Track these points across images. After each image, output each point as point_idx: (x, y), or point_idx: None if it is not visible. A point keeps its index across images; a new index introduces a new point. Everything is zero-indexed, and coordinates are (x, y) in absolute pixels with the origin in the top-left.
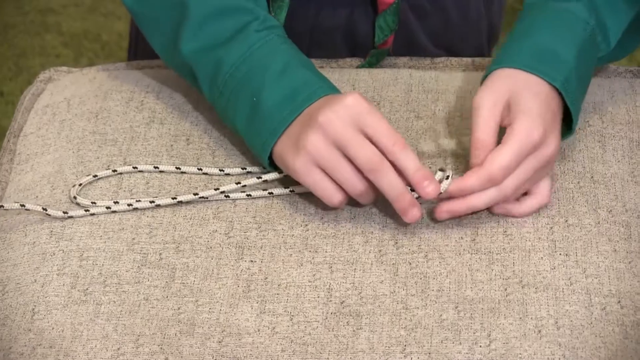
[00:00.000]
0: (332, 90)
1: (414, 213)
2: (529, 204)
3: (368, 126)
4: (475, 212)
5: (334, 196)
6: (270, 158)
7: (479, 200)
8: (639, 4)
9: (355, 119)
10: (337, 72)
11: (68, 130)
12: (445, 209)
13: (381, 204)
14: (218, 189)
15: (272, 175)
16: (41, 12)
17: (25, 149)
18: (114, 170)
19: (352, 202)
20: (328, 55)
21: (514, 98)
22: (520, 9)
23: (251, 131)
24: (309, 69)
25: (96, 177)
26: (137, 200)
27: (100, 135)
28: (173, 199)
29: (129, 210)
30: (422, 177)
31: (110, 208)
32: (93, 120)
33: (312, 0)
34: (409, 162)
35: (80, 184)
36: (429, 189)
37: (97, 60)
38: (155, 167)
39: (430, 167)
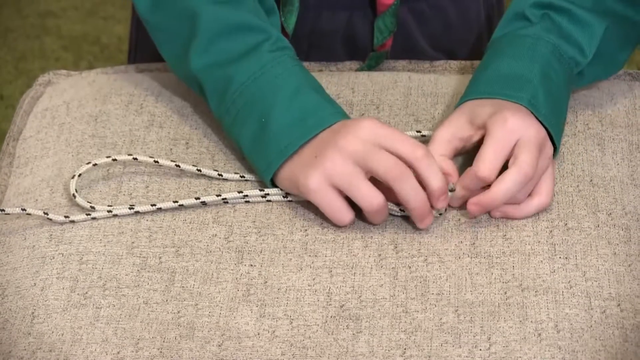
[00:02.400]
0: (344, 116)
1: (429, 220)
2: (530, 204)
3: (388, 142)
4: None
5: (345, 216)
6: (272, 179)
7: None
8: (608, 13)
9: (374, 138)
10: (337, 76)
11: (67, 134)
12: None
13: None
14: (220, 195)
15: (275, 191)
16: (41, 15)
17: (25, 152)
18: (114, 159)
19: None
20: (327, 58)
21: (474, 113)
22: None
23: (257, 151)
24: (321, 93)
25: (95, 165)
26: (137, 204)
27: (99, 138)
28: (174, 202)
29: (130, 214)
30: (441, 189)
31: (111, 212)
32: (92, 123)
33: (312, 3)
34: (431, 171)
35: (79, 174)
36: (444, 204)
37: (96, 63)
38: (155, 161)
39: None
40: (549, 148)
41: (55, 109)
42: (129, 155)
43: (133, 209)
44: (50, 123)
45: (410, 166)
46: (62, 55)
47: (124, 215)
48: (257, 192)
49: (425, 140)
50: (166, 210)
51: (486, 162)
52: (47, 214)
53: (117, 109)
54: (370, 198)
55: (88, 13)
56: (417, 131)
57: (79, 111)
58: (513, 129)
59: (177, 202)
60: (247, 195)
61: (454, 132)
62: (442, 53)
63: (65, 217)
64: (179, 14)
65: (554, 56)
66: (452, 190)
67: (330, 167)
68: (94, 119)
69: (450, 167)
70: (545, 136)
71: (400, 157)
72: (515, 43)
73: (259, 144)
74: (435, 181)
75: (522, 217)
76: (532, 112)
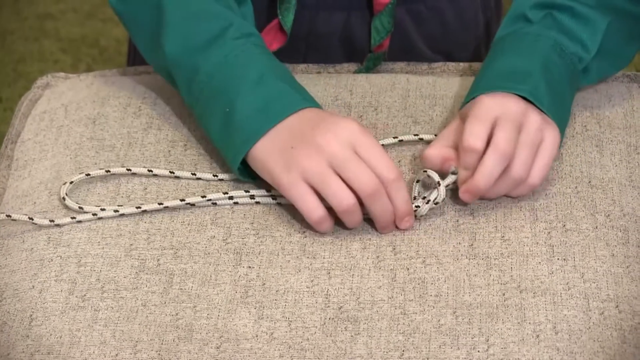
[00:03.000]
0: (310, 102)
1: (390, 230)
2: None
3: (364, 151)
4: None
5: (315, 212)
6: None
7: (485, 172)
8: (611, 9)
9: (353, 143)
10: (335, 78)
11: (65, 136)
12: (464, 189)
13: None
14: (205, 196)
15: (262, 192)
16: (39, 17)
17: (23, 155)
18: (107, 171)
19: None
20: (325, 60)
21: (466, 109)
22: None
23: (223, 141)
24: (286, 80)
25: (89, 176)
26: (120, 206)
27: (97, 141)
28: (159, 204)
29: (115, 217)
30: (407, 212)
31: (96, 215)
32: (90, 126)
33: (309, 3)
34: (400, 195)
35: (71, 182)
36: (408, 224)
37: (95, 65)
38: (149, 171)
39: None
40: (534, 121)
41: (54, 111)
42: (122, 167)
43: (117, 212)
44: (48, 126)
45: (382, 184)
46: (60, 57)
47: (122, 218)
48: (242, 192)
49: (424, 143)
50: (152, 212)
51: (467, 134)
52: (32, 218)
53: (115, 111)
54: (341, 197)
55: (87, 15)
56: (415, 134)
57: (77, 114)
58: (489, 105)
59: (161, 204)
60: (232, 197)
61: (455, 128)
62: (440, 55)
63: (51, 221)
64: (145, 3)
65: (555, 51)
66: (454, 173)
67: (307, 165)
68: (92, 121)
69: (450, 153)
70: (525, 109)
71: (374, 172)
72: (516, 41)
73: (225, 134)
74: (402, 204)
75: (516, 194)
76: (533, 104)
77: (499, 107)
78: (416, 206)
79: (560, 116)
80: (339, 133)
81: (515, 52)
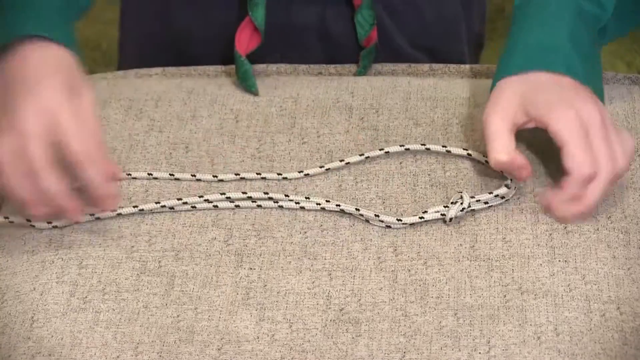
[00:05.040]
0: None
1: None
2: (595, 183)
3: (62, 134)
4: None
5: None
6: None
7: (593, 194)
8: None
9: (52, 118)
10: (336, 80)
11: None
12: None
13: (381, 209)
14: (202, 196)
15: (260, 194)
16: None
17: None
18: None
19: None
20: (304, 56)
21: (527, 100)
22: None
23: None
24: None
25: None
26: (120, 207)
27: None
28: (157, 203)
29: (113, 218)
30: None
31: (93, 215)
32: None
33: None
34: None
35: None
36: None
37: (97, 68)
38: (149, 174)
39: (429, 178)
40: (603, 108)
41: None
42: (123, 172)
43: (115, 211)
44: None
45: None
46: None
47: (122, 220)
48: (240, 194)
49: (452, 156)
50: (153, 214)
51: (572, 161)
52: (29, 220)
53: (116, 113)
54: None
55: (89, 18)
56: (443, 146)
57: None
58: (581, 122)
59: (158, 202)
60: (230, 197)
61: (511, 121)
62: (420, 52)
63: (48, 222)
64: None
65: (580, 17)
66: (507, 187)
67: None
68: None
69: (524, 161)
70: (595, 98)
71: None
72: (540, 9)
73: None
74: (95, 187)
75: (595, 200)
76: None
77: (585, 117)
78: (445, 206)
79: (596, 82)
80: (41, 103)
81: (539, 25)
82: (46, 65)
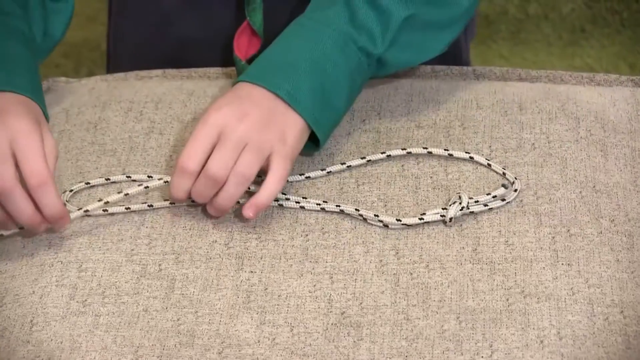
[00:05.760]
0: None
1: (38, 231)
2: (266, 185)
3: (19, 152)
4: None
5: None
6: None
7: (195, 193)
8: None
9: (11, 141)
10: None
11: (67, 141)
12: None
13: (383, 210)
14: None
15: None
16: None
17: None
18: (107, 179)
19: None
20: None
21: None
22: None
23: None
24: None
25: (89, 185)
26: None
27: (99, 145)
28: (149, 206)
29: (102, 215)
30: (54, 215)
31: (87, 210)
32: (92, 130)
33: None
34: (45, 199)
35: (71, 190)
36: (61, 225)
37: (97, 69)
38: (149, 177)
39: (431, 180)
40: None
41: (55, 116)
42: (122, 174)
43: (107, 211)
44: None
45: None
46: (62, 62)
47: (122, 223)
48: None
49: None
50: (153, 217)
51: (186, 155)
52: (22, 228)
53: (116, 115)
54: None
55: (88, 19)
56: (445, 149)
57: (78, 118)
58: (214, 124)
59: (147, 202)
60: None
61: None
62: None
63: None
64: None
65: (337, 47)
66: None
67: None
68: (93, 126)
69: None
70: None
71: (24, 174)
72: (300, 29)
73: None
74: (48, 209)
75: (267, 200)
76: (289, 104)
77: (221, 123)
78: (444, 208)
79: (323, 115)
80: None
81: (286, 41)
82: (13, 102)
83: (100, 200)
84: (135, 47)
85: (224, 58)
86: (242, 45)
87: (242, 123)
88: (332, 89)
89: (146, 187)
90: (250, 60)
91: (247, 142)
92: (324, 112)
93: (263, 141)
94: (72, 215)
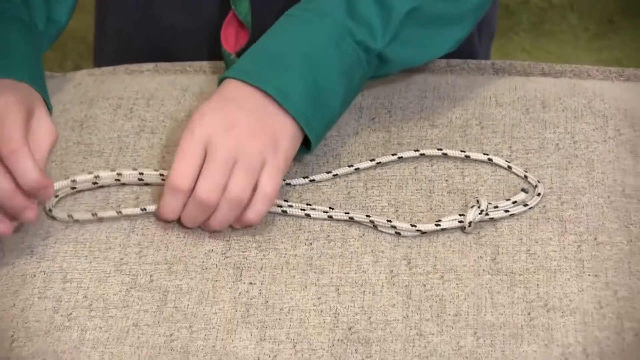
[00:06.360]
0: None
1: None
2: (255, 203)
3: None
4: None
5: None
6: None
7: (185, 219)
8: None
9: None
10: None
11: None
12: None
13: (393, 216)
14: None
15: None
16: None
17: None
18: (95, 183)
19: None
20: None
21: None
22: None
23: None
24: None
25: (74, 188)
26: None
27: (85, 145)
28: (143, 210)
29: (93, 220)
30: (32, 183)
31: (72, 216)
32: (78, 129)
33: None
34: (20, 167)
35: (56, 196)
36: (47, 194)
37: (83, 62)
38: (140, 173)
39: (447, 184)
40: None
41: None
42: (112, 171)
43: (96, 215)
44: None
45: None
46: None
47: (111, 230)
48: None
49: (471, 160)
50: (144, 224)
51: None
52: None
53: (104, 113)
54: None
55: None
56: (462, 150)
57: (63, 116)
58: (199, 139)
59: (139, 206)
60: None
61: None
62: None
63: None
64: None
65: (332, 41)
66: (524, 191)
67: None
68: (79, 124)
69: None
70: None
71: None
72: (292, 22)
73: None
74: (21, 176)
75: (256, 218)
76: (278, 103)
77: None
78: (461, 214)
79: (315, 114)
80: None
81: (278, 35)
82: (6, 86)
83: (90, 173)
84: (118, 36)
85: (213, 50)
86: (230, 37)
87: (229, 134)
88: (325, 86)
89: (141, 174)
90: (240, 54)
91: (237, 158)
92: (316, 111)
93: (253, 154)
94: (57, 185)
